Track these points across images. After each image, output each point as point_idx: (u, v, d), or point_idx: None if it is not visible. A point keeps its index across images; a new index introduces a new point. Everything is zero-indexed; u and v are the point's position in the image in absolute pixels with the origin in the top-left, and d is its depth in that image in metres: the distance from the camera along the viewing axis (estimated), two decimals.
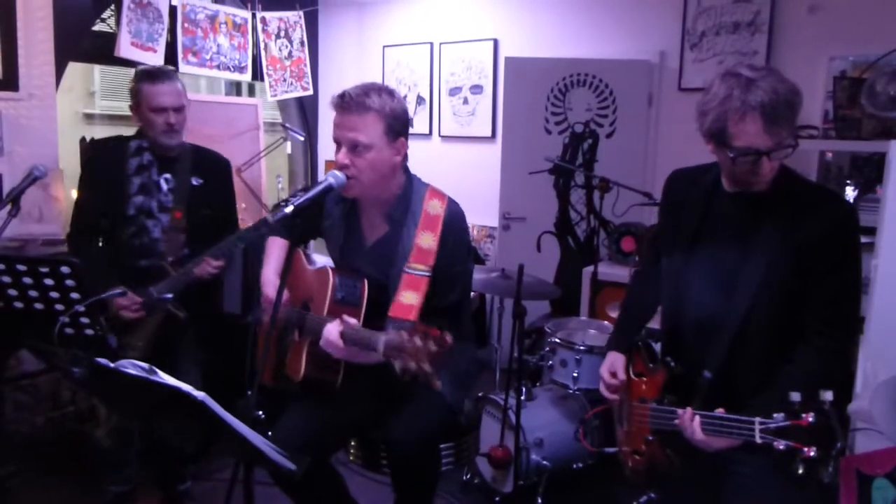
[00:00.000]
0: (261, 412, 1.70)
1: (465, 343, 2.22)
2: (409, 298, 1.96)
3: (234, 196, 3.01)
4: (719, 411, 1.69)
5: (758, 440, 1.57)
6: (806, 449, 1.49)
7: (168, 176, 2.74)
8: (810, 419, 1.50)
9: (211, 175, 2.84)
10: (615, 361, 2.11)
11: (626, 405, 2.10)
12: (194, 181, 2.77)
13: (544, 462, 3.00)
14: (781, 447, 1.52)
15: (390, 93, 2.02)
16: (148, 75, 2.69)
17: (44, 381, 3.58)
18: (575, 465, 3.12)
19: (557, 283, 4.53)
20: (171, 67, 3.12)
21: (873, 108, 3.63)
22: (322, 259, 2.49)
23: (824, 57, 3.95)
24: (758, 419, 1.58)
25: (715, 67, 4.31)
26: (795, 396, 1.53)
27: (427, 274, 2.00)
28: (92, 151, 2.87)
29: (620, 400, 2.12)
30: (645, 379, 2.05)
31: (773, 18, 4.13)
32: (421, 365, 1.61)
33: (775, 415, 1.55)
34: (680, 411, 1.78)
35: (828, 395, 1.50)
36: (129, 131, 2.85)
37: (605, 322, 3.56)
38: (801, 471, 1.50)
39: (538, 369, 3.54)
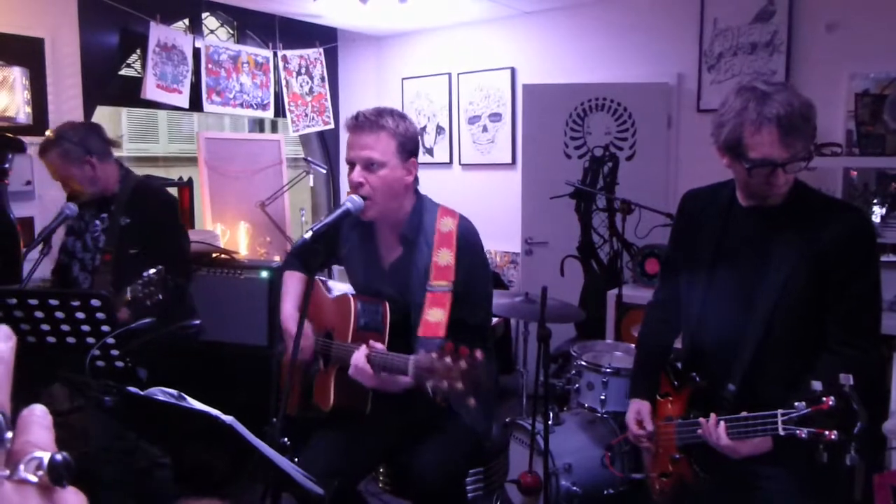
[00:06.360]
0: (286, 439, 1.71)
1: (490, 363, 2.22)
2: (435, 316, 1.96)
3: (171, 232, 2.88)
4: (742, 414, 1.69)
5: (781, 432, 1.55)
6: (827, 433, 1.47)
7: (104, 216, 2.79)
8: (831, 402, 1.48)
9: (141, 214, 2.77)
10: (641, 409, 2.06)
11: (655, 445, 2.06)
12: (122, 221, 2.74)
13: (574, 488, 2.96)
14: (804, 435, 1.50)
15: (402, 116, 2.07)
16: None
17: (76, 418, 3.62)
18: (606, 492, 3.07)
19: (582, 306, 4.51)
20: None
21: None
22: (340, 287, 2.50)
23: (844, 74, 3.92)
24: (780, 411, 1.57)
25: None
26: (817, 385, 1.52)
27: (449, 289, 2.01)
28: None
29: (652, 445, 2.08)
30: (671, 398, 2.03)
31: (790, 38, 4.11)
32: (454, 384, 1.60)
33: (797, 403, 1.53)
34: (703, 420, 1.77)
35: (848, 379, 1.48)
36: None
37: (632, 345, 3.52)
38: (825, 458, 1.47)
39: (565, 393, 3.50)
